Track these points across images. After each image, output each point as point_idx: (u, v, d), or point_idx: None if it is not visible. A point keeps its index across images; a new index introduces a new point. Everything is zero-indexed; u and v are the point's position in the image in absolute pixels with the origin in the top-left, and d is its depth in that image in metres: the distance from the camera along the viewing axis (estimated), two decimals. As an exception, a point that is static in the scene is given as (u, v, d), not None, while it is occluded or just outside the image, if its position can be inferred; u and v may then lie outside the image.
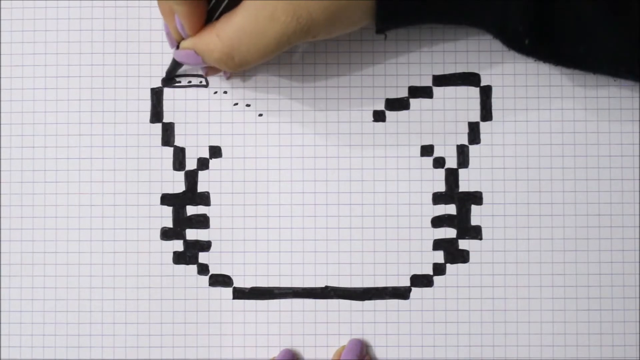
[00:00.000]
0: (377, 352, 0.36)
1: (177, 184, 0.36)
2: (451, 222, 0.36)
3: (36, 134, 0.37)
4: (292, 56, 0.36)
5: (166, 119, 0.37)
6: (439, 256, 0.36)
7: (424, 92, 0.36)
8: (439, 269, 0.36)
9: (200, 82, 0.37)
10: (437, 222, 0.36)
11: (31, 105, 0.37)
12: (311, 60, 0.37)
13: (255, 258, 0.36)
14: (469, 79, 0.36)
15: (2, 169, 0.37)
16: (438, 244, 0.36)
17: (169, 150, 0.37)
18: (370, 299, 0.36)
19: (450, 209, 0.36)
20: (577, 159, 0.36)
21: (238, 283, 0.36)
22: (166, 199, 0.36)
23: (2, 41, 0.37)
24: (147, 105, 0.37)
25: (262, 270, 0.36)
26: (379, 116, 0.36)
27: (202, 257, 0.36)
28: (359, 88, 0.36)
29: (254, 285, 0.36)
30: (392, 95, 0.36)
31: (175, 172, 0.36)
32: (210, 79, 0.36)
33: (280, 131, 0.36)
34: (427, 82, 0.36)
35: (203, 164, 0.36)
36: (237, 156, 0.36)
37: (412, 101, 0.36)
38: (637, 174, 0.36)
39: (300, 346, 0.36)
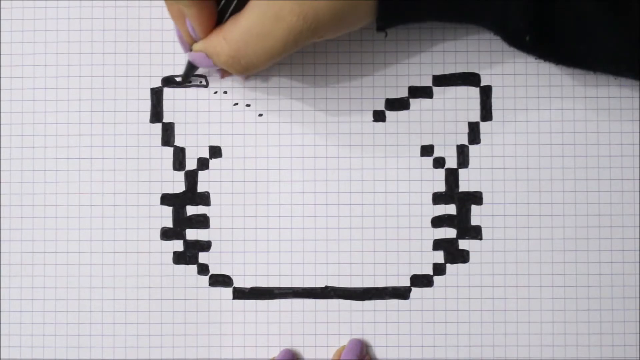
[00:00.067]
0: (377, 352, 0.36)
1: (177, 184, 0.36)
2: (451, 222, 0.36)
3: (36, 134, 0.37)
4: (292, 56, 0.36)
5: (166, 119, 0.37)
6: (439, 256, 0.36)
7: (424, 92, 0.36)
8: (439, 269, 0.36)
9: (200, 82, 0.37)
10: (437, 222, 0.36)
11: (31, 105, 0.37)
12: (311, 60, 0.37)
13: (255, 258, 0.36)
14: (469, 79, 0.36)
15: (2, 169, 0.37)
16: (438, 244, 0.36)
17: (169, 150, 0.37)
18: (370, 299, 0.36)
19: (450, 209, 0.36)
20: (577, 159, 0.36)
21: (238, 283, 0.36)
22: (166, 199, 0.36)
23: (2, 41, 0.37)
24: (147, 105, 0.37)
25: (262, 270, 0.36)
26: (379, 116, 0.36)
27: (202, 257, 0.36)
28: (359, 88, 0.36)
29: (254, 285, 0.36)
30: (392, 95, 0.36)
31: (175, 172, 0.37)
32: (210, 79, 0.36)
33: (280, 131, 0.36)
34: (427, 82, 0.36)
35: (203, 164, 0.36)
36: (237, 156, 0.36)
37: (412, 101, 0.36)
38: (637, 174, 0.36)
39: (300, 346, 0.36)
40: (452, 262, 0.36)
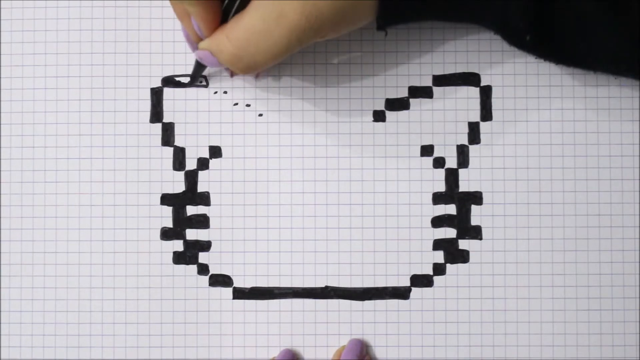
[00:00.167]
0: (377, 352, 0.36)
1: (177, 184, 0.36)
2: (451, 222, 0.36)
3: (36, 134, 0.37)
4: (292, 56, 0.36)
5: (166, 119, 0.37)
6: (439, 256, 0.36)
7: (424, 92, 0.36)
8: (439, 269, 0.36)
9: (200, 82, 0.37)
10: (437, 222, 0.36)
11: (31, 105, 0.37)
12: (311, 60, 0.37)
13: (255, 258, 0.36)
14: (469, 79, 0.36)
15: (2, 169, 0.37)
16: (438, 244, 0.36)
17: (169, 150, 0.37)
18: (370, 299, 0.36)
19: (450, 209, 0.36)
20: (577, 159, 0.36)
21: (238, 283, 0.36)
22: (166, 199, 0.36)
23: (2, 41, 0.37)
24: (147, 105, 0.37)
25: (262, 270, 0.36)
26: (379, 116, 0.36)
27: (202, 257, 0.36)
28: (359, 88, 0.36)
29: (254, 285, 0.36)
30: (392, 95, 0.36)
31: (175, 172, 0.36)
32: (211, 79, 0.36)
33: (280, 131, 0.36)
34: (427, 82, 0.36)
35: (203, 164, 0.36)
36: (237, 156, 0.36)
37: (412, 101, 0.36)
38: (637, 174, 0.36)
39: (300, 346, 0.36)
40: (452, 262, 0.36)
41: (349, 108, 0.36)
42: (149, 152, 0.36)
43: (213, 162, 0.36)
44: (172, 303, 0.36)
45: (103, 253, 0.36)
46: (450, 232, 0.36)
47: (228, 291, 0.36)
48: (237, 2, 0.31)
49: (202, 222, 0.36)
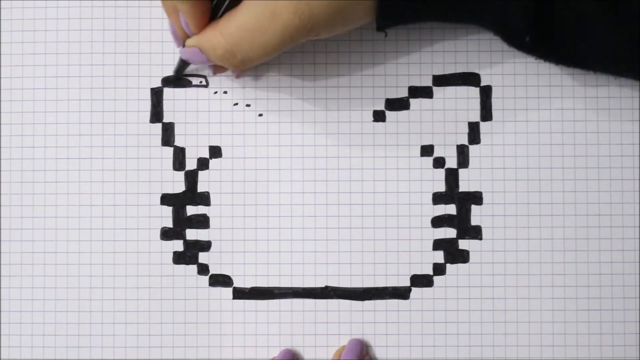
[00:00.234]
0: (377, 352, 0.36)
1: (177, 184, 0.36)
2: (451, 222, 0.36)
3: (36, 134, 0.37)
4: (292, 56, 0.36)
5: (166, 119, 0.37)
6: (439, 256, 0.36)
7: (424, 92, 0.36)
8: (439, 269, 0.36)
9: (200, 82, 0.37)
10: (437, 222, 0.36)
11: (31, 105, 0.37)
12: (311, 60, 0.37)
13: (255, 258, 0.36)
14: (469, 79, 0.36)
15: (2, 169, 0.37)
16: (438, 244, 0.36)
17: (169, 150, 0.37)
18: (370, 299, 0.36)
19: (450, 209, 0.36)
20: (577, 159, 0.36)
21: (238, 283, 0.36)
22: (166, 199, 0.36)
23: (2, 41, 0.37)
24: (147, 105, 0.37)
25: (262, 270, 0.36)
26: (379, 116, 0.36)
27: (202, 257, 0.36)
28: (359, 88, 0.36)
29: (254, 285, 0.36)
30: (392, 95, 0.36)
31: (175, 172, 0.36)
32: (211, 79, 0.36)
33: (280, 131, 0.36)
34: (427, 82, 0.36)
35: (203, 164, 0.36)
36: (237, 156, 0.36)
37: (412, 101, 0.36)
38: (637, 174, 0.36)
39: (300, 346, 0.36)
40: (452, 262, 0.36)
41: (349, 108, 0.36)
42: (149, 152, 0.36)
43: (213, 162, 0.36)
44: (172, 303, 0.36)
45: (103, 253, 0.36)
46: (450, 232, 0.36)
47: (228, 291, 0.36)
48: (228, 1, 0.31)
49: (202, 222, 0.36)
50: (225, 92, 0.37)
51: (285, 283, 0.36)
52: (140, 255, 0.36)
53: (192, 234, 0.36)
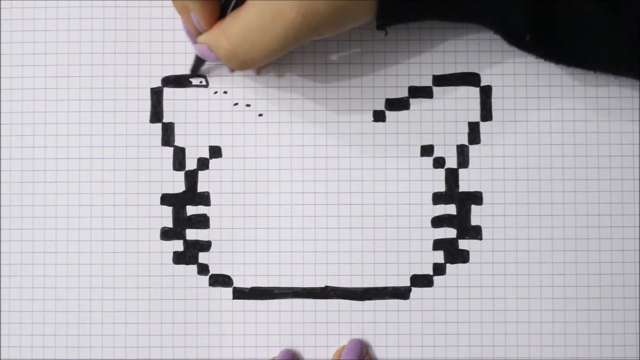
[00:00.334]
0: (377, 352, 0.36)
1: (177, 184, 0.36)
2: (451, 222, 0.36)
3: (36, 134, 0.37)
4: (292, 56, 0.36)
5: (166, 119, 0.37)
6: (439, 256, 0.36)
7: (424, 92, 0.36)
8: (439, 269, 0.36)
9: (200, 82, 0.37)
10: (437, 222, 0.36)
11: (31, 105, 0.37)
12: (311, 60, 0.37)
13: (255, 258, 0.36)
14: (469, 79, 0.36)
15: (2, 169, 0.37)
16: (438, 244, 0.36)
17: (169, 150, 0.37)
18: (370, 299, 0.36)
19: (450, 209, 0.36)
20: (577, 159, 0.36)
21: (238, 283, 0.36)
22: (166, 199, 0.36)
23: (2, 41, 0.37)
24: (147, 105, 0.37)
25: (262, 270, 0.36)
26: (379, 116, 0.36)
27: (202, 257, 0.36)
28: (359, 88, 0.36)
29: (254, 285, 0.36)
30: (392, 95, 0.36)
31: (175, 172, 0.36)
32: (211, 79, 0.36)
33: (280, 131, 0.36)
34: (427, 82, 0.36)
35: (203, 164, 0.36)
36: (237, 156, 0.36)
37: (412, 101, 0.36)
38: (637, 174, 0.36)
39: (300, 346, 0.36)
40: (452, 262, 0.36)
41: (349, 108, 0.36)
42: (149, 152, 0.36)
43: (213, 162, 0.36)
44: (172, 303, 0.36)
45: (103, 253, 0.36)
46: (450, 232, 0.36)
47: (228, 291, 0.36)
48: (234, 0, 0.31)
49: (202, 222, 0.36)
50: (225, 92, 0.37)
51: (285, 283, 0.36)
52: (140, 255, 0.36)
53: (192, 234, 0.36)
